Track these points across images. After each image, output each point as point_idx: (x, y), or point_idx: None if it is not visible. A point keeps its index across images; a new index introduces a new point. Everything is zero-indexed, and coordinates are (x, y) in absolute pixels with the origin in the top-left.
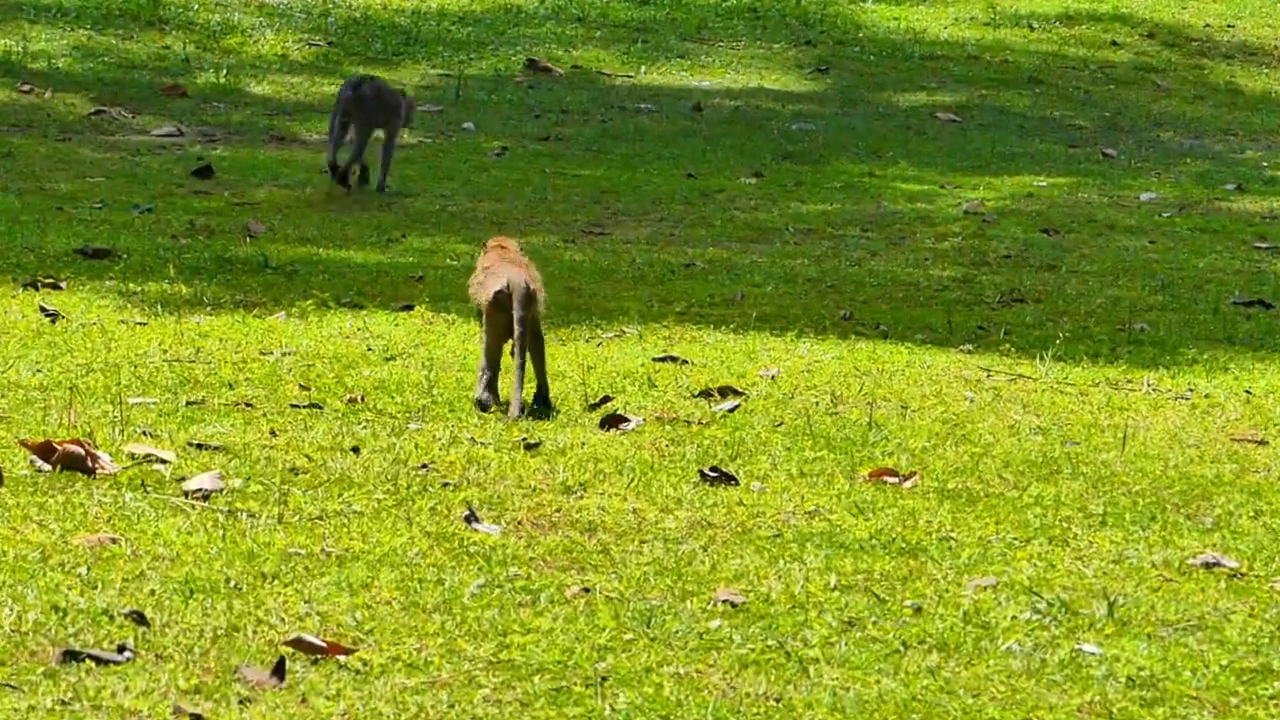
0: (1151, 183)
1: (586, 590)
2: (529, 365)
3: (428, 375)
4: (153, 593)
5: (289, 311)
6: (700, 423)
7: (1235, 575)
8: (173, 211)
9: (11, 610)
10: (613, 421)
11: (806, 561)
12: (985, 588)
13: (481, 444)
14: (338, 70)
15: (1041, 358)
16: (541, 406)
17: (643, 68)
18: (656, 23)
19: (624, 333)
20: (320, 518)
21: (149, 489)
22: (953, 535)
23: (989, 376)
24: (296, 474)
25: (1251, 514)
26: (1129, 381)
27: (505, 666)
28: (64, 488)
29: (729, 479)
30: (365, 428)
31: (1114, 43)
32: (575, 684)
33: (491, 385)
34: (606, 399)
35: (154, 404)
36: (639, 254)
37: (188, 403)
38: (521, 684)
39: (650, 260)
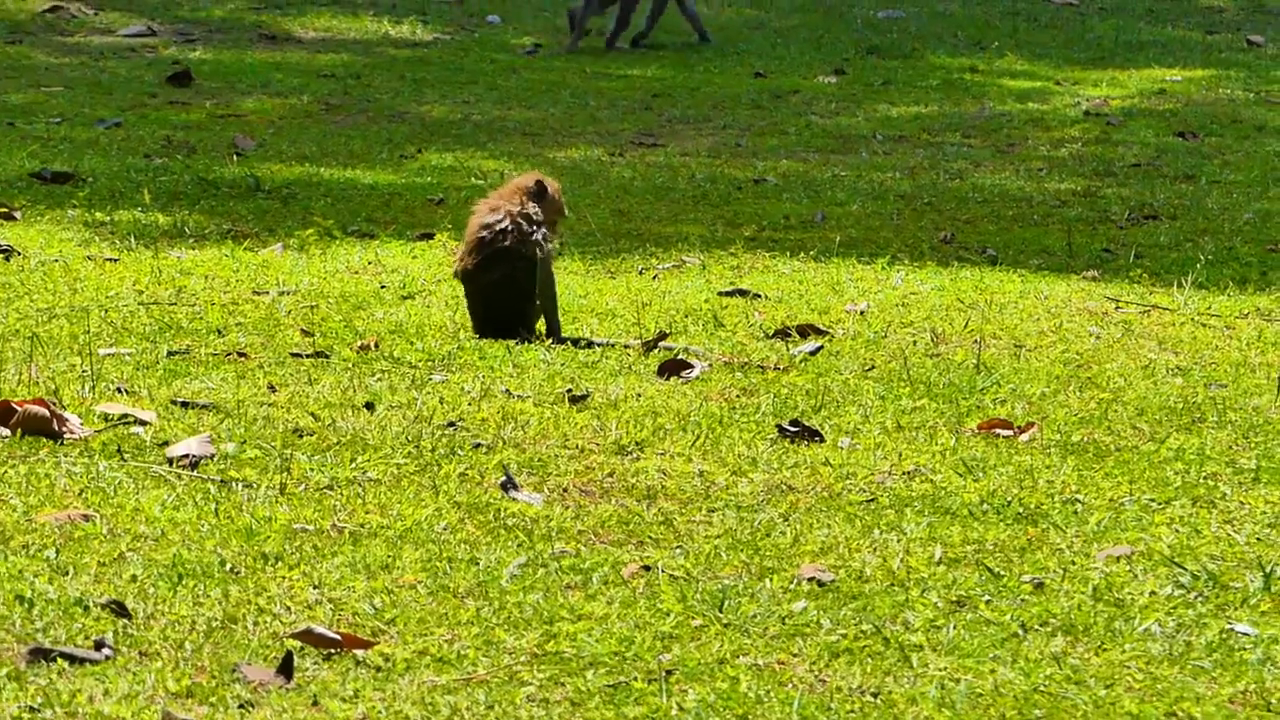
0: None
1: (647, 568)
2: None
3: (453, 316)
4: (134, 579)
5: (286, 243)
6: (777, 368)
7: None
8: (145, 126)
9: None
10: (673, 368)
11: (906, 531)
12: (1118, 558)
13: (519, 397)
14: None
15: (1179, 285)
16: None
17: None
18: None
19: (684, 263)
20: (330, 487)
21: (126, 456)
22: (1078, 497)
23: (1117, 308)
24: (300, 436)
25: None
26: None
27: (552, 660)
28: (26, 456)
29: (812, 434)
30: (380, 380)
31: None
32: (635, 679)
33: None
34: (663, 335)
35: (129, 355)
36: (699, 168)
37: (169, 353)
38: (572, 680)
39: (713, 176)
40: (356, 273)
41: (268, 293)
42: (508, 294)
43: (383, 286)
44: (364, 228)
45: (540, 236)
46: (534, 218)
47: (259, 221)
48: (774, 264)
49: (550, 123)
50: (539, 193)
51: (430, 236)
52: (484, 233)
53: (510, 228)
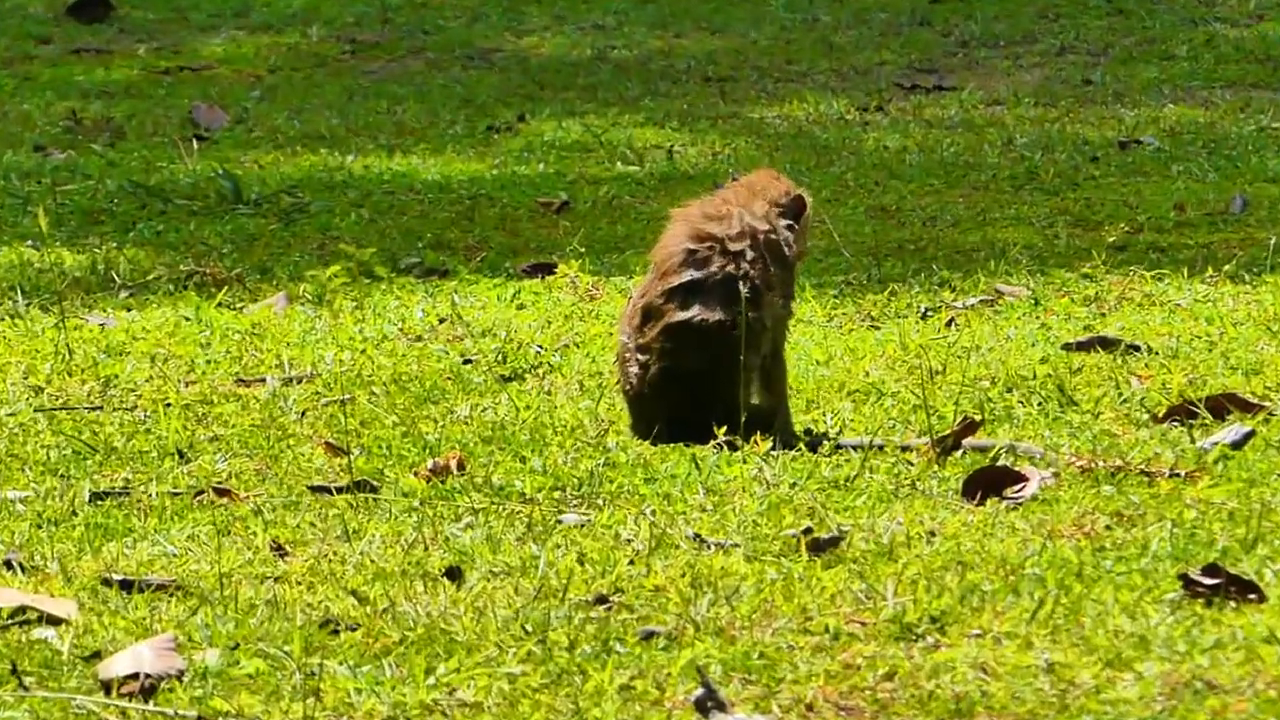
0: None
1: None
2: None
3: (593, 407)
4: None
5: (292, 291)
6: (1175, 475)
7: None
8: (35, 94)
9: None
10: (991, 483)
11: None
12: None
13: (719, 546)
14: None
15: None
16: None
17: None
18: None
19: (1000, 294)
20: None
21: (29, 681)
22: None
23: None
24: (335, 632)
25: None
26: None
27: None
28: None
29: (1244, 589)
30: (471, 527)
31: None
32: None
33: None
34: (971, 426)
35: (23, 502)
36: (1019, 128)
37: (94, 496)
38: None
39: (1045, 139)
40: (419, 339)
41: (263, 380)
42: (719, 357)
43: (467, 361)
44: (429, 259)
45: (788, 288)
46: (786, 252)
47: (242, 256)
48: (1160, 291)
49: (750, 57)
50: (797, 209)
51: (549, 270)
52: (699, 246)
53: (752, 255)
